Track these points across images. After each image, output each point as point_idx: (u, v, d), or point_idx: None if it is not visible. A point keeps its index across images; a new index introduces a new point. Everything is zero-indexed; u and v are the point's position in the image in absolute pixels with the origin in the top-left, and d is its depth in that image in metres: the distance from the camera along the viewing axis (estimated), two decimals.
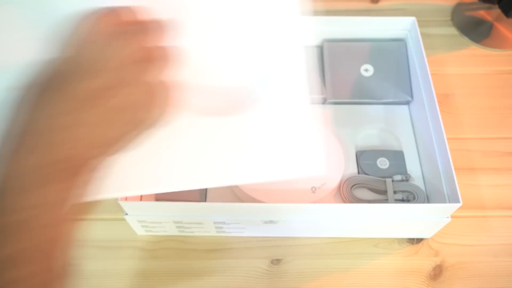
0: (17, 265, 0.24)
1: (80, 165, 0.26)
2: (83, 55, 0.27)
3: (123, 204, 0.51)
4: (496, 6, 0.72)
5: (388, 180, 0.58)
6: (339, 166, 0.59)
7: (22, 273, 0.24)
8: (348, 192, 0.58)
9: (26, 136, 0.25)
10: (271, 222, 0.53)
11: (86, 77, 0.26)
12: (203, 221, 0.54)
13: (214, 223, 0.54)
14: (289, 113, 0.39)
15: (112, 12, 0.28)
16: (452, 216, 0.52)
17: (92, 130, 0.26)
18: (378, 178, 0.58)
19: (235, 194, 0.58)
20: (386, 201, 0.58)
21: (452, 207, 0.50)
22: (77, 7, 0.29)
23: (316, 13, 0.82)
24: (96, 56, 0.27)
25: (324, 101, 0.66)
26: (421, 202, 0.56)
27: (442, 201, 0.53)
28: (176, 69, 0.30)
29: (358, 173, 0.60)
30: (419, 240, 0.58)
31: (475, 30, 0.78)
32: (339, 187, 0.59)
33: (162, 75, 0.29)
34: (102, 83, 0.26)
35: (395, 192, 0.58)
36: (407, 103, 0.66)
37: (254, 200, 0.56)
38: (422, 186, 0.59)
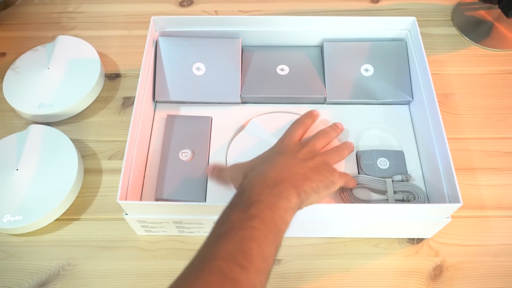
0: (256, 221, 0.39)
1: (294, 185, 0.43)
2: (287, 148, 0.51)
3: (122, 204, 0.51)
4: (496, 6, 0.72)
5: (388, 180, 0.58)
6: (338, 166, 0.59)
7: (258, 225, 0.39)
8: (348, 192, 0.58)
9: (267, 170, 0.45)
10: None
11: (293, 153, 0.49)
12: (203, 221, 0.54)
13: (214, 223, 0.54)
14: None
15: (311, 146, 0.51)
16: (452, 216, 0.52)
17: (301, 170, 0.46)
18: (378, 178, 0.58)
19: None
20: (386, 201, 0.57)
21: (452, 207, 0.50)
22: None
23: (316, 13, 0.83)
24: (293, 149, 0.51)
25: (324, 101, 0.66)
26: (421, 202, 0.56)
27: (442, 201, 0.53)
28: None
29: (358, 173, 0.60)
30: (419, 240, 0.58)
31: (475, 30, 0.78)
32: (339, 187, 0.59)
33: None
34: (301, 156, 0.49)
35: (395, 192, 0.58)
36: (407, 103, 0.66)
37: None
38: (422, 186, 0.59)
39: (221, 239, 0.38)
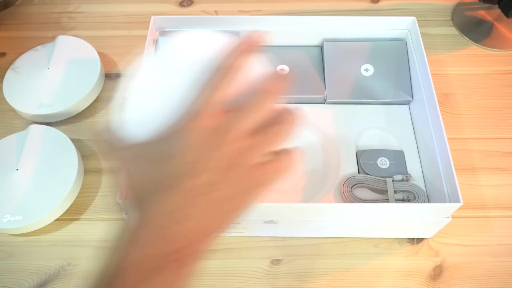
0: None
1: (189, 255, 0.30)
2: (185, 155, 0.30)
3: (122, 203, 0.51)
4: (496, 6, 0.72)
5: (389, 180, 0.58)
6: (337, 166, 0.59)
7: None
8: (348, 192, 0.58)
9: (141, 231, 0.29)
10: (271, 222, 0.53)
11: (190, 177, 0.29)
12: None
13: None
14: None
15: (212, 105, 0.30)
16: (453, 216, 0.52)
17: (199, 222, 0.30)
18: (378, 178, 0.58)
19: None
20: (386, 201, 0.57)
21: (452, 207, 0.50)
22: None
23: (316, 13, 0.83)
24: (196, 158, 0.30)
25: (324, 101, 0.66)
26: (421, 202, 0.56)
27: (443, 201, 0.53)
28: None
29: (359, 172, 0.60)
30: (419, 240, 0.58)
31: (475, 30, 0.78)
32: (339, 187, 0.59)
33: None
34: (204, 181, 0.29)
35: (395, 192, 0.58)
36: (408, 103, 0.66)
37: None
38: (422, 186, 0.59)
39: None
